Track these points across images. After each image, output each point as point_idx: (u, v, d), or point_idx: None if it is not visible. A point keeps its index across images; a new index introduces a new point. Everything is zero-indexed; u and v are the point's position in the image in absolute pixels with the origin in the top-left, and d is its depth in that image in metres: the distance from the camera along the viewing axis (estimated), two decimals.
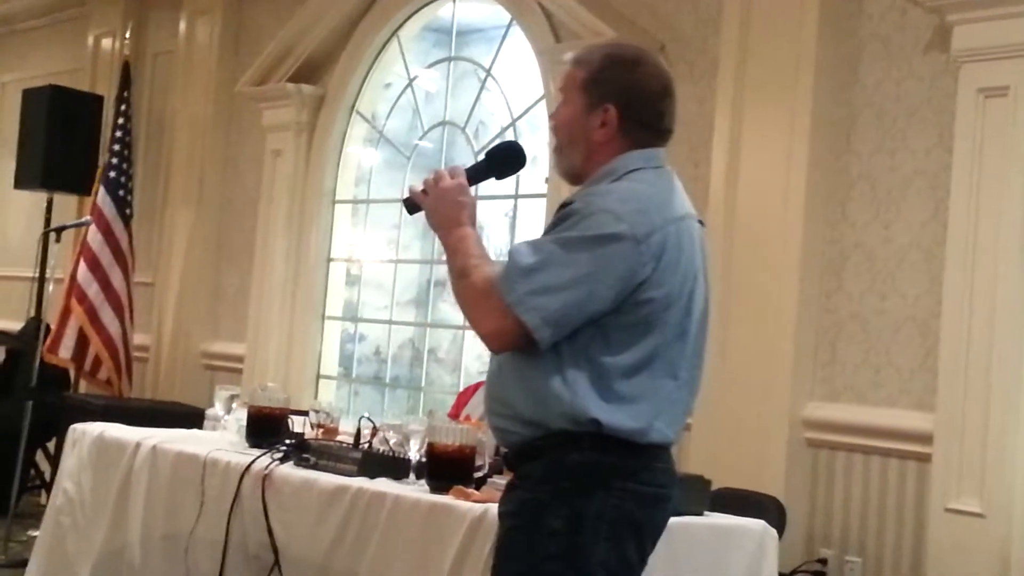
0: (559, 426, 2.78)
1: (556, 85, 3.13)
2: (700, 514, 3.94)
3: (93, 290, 8.21)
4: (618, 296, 2.75)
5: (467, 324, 3.03)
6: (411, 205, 3.02)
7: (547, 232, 2.84)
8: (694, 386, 2.94)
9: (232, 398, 5.31)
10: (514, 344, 2.79)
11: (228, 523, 4.43)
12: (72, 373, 8.41)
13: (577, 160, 2.96)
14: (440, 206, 2.93)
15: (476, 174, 3.02)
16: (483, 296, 2.79)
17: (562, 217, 2.82)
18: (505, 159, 3.08)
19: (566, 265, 2.73)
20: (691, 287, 2.87)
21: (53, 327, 8.20)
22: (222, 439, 4.99)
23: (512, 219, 7.46)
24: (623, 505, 2.79)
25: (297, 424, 4.88)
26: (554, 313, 2.72)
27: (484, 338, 2.84)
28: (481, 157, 3.12)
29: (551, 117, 3.07)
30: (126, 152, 8.52)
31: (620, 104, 2.91)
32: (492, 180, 3.13)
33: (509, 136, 7.27)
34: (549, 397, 2.78)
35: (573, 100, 2.96)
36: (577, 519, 2.77)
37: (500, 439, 3.03)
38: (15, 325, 8.76)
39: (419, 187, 2.99)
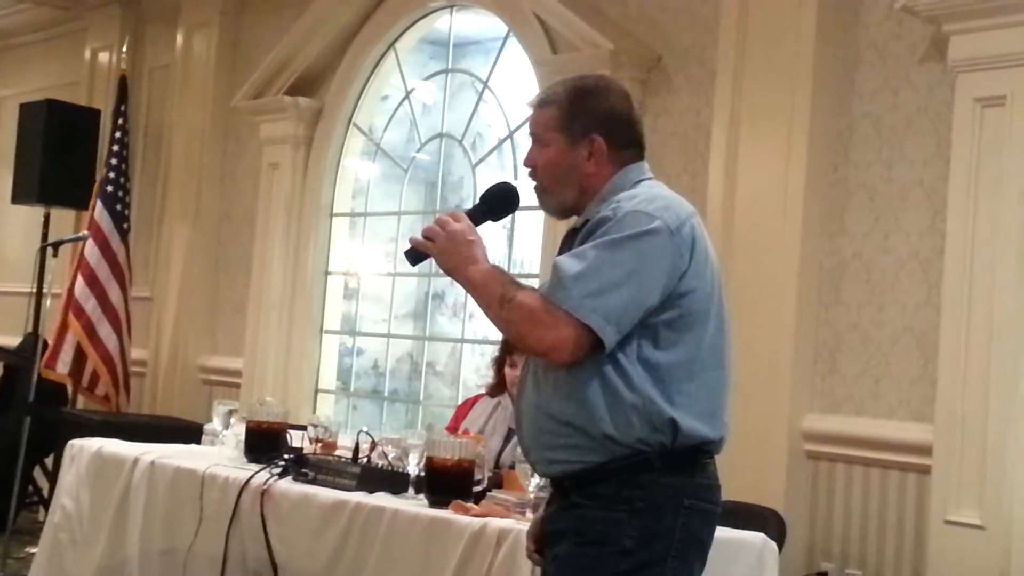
0: (636, 437, 2.79)
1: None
2: None
3: (90, 305, 8.21)
4: (665, 289, 2.80)
5: (523, 341, 2.89)
6: (415, 255, 3.02)
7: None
8: (732, 378, 2.99)
9: (230, 413, 5.32)
10: (581, 351, 2.77)
11: (227, 538, 4.44)
12: (70, 388, 8.39)
13: (570, 196, 3.00)
14: (453, 248, 2.91)
15: (475, 217, 3.03)
16: (540, 311, 2.78)
17: (593, 228, 2.85)
18: (500, 200, 3.11)
19: (614, 265, 2.77)
20: (718, 278, 2.94)
21: (50, 342, 8.19)
22: (220, 454, 4.99)
23: (510, 232, 7.45)
24: (690, 524, 2.85)
25: (295, 439, 4.89)
26: (615, 311, 2.75)
27: (550, 351, 2.79)
28: (476, 201, 3.15)
29: (527, 161, 3.06)
30: (123, 166, 8.52)
31: (603, 132, 2.96)
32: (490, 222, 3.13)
33: (507, 148, 7.28)
34: (627, 408, 2.79)
35: (552, 140, 2.99)
36: (649, 538, 2.81)
37: (559, 471, 2.91)
38: (12, 340, 8.74)
39: (419, 237, 2.97)
